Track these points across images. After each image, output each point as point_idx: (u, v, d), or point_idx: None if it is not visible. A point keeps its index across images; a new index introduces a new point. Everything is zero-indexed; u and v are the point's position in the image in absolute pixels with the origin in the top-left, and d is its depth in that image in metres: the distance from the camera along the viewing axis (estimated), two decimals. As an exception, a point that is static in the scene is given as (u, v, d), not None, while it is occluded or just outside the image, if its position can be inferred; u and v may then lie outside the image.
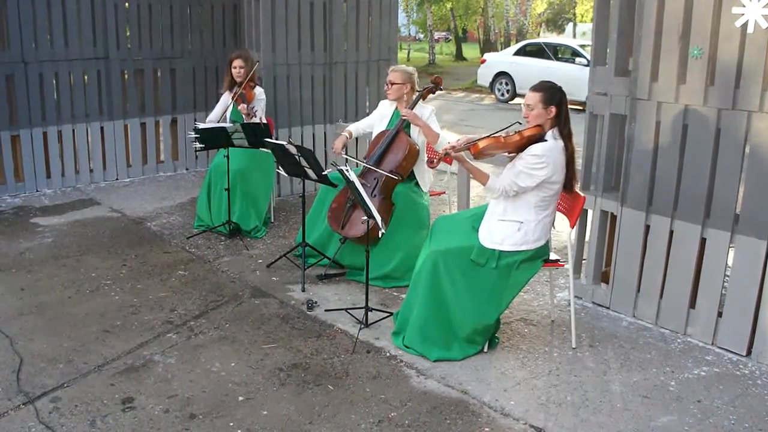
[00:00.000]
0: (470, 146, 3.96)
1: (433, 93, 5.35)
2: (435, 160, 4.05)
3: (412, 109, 5.16)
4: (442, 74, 25.00)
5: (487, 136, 3.94)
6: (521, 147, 3.95)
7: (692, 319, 4.34)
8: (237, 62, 6.18)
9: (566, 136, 3.96)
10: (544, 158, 3.86)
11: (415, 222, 5.13)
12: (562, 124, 3.95)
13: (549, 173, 3.88)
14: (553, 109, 3.91)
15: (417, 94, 5.28)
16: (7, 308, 4.62)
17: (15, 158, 7.32)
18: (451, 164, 5.81)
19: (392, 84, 5.24)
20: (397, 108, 5.33)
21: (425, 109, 5.23)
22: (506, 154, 4.09)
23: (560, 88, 3.98)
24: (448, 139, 5.12)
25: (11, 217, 6.59)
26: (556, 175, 3.91)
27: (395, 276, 5.08)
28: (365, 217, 4.33)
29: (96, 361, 3.96)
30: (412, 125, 5.21)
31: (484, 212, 4.19)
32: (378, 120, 5.46)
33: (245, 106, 6.04)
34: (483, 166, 4.33)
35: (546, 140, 3.93)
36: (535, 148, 3.89)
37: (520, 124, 4.02)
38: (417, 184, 5.26)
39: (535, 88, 3.98)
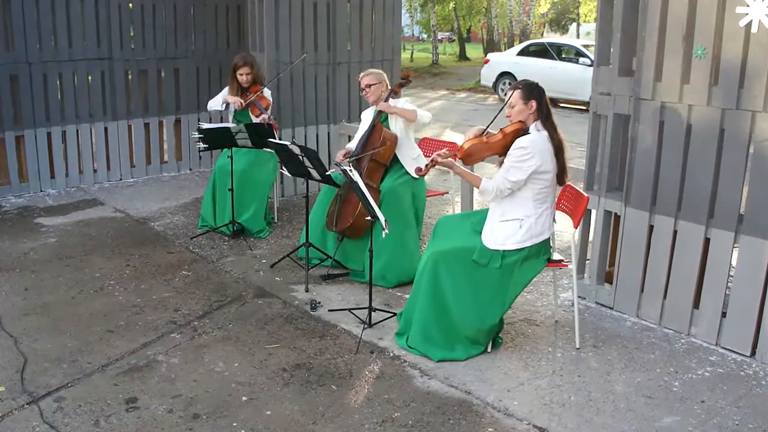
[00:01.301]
0: (456, 152, 4.04)
1: (404, 86, 5.49)
2: (424, 168, 4.11)
3: (385, 102, 5.32)
4: (445, 74, 24.84)
5: (468, 139, 4.05)
6: (506, 146, 4.03)
7: (696, 319, 4.33)
8: (243, 70, 6.22)
9: (550, 127, 4.02)
10: (529, 148, 3.90)
11: (403, 217, 5.12)
12: (543, 116, 4.02)
13: (537, 162, 3.91)
14: (533, 104, 3.99)
15: (388, 90, 5.42)
16: (11, 308, 4.63)
17: (19, 158, 7.34)
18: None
19: (369, 86, 5.37)
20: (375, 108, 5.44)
21: (399, 102, 5.38)
22: (497, 156, 4.13)
23: (538, 84, 4.08)
24: (427, 115, 5.24)
25: (15, 218, 6.60)
26: (545, 164, 3.94)
27: (388, 273, 5.06)
28: (368, 218, 4.33)
29: (100, 361, 3.97)
30: (389, 117, 5.33)
31: (486, 216, 4.20)
32: (363, 127, 5.53)
33: (264, 116, 6.11)
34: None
35: (529, 133, 3.98)
36: (519, 141, 3.96)
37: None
38: (407, 173, 5.27)
39: (514, 87, 4.08)
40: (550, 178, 4.00)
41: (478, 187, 4.09)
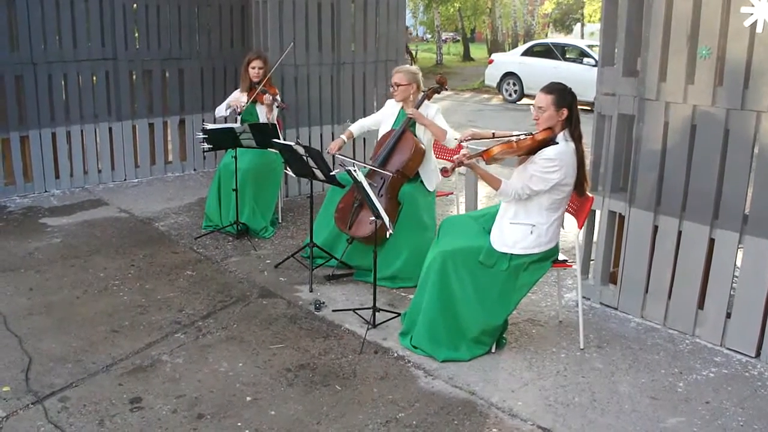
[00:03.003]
0: (482, 153, 3.95)
1: (438, 93, 5.35)
2: (450, 169, 4.03)
3: (417, 108, 5.17)
4: (449, 75, 24.83)
5: (499, 143, 3.94)
6: (533, 151, 3.94)
7: (701, 320, 4.32)
8: (256, 63, 6.24)
9: (577, 138, 3.94)
10: (557, 161, 3.84)
11: (420, 222, 5.13)
12: (572, 126, 3.92)
13: (562, 176, 3.85)
14: (565, 112, 3.88)
15: (422, 94, 5.28)
16: (16, 308, 4.64)
17: (24, 159, 7.35)
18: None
19: (398, 86, 5.23)
20: (402, 108, 5.33)
21: (430, 108, 5.23)
22: (517, 156, 4.09)
23: (571, 90, 3.95)
24: (455, 136, 5.15)
25: (20, 218, 6.62)
26: (568, 177, 3.89)
27: (402, 276, 5.08)
28: (373, 218, 4.33)
29: (104, 361, 3.98)
30: (417, 124, 5.20)
31: (495, 213, 4.18)
32: (385, 119, 5.46)
33: (269, 96, 6.08)
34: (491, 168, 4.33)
35: (557, 143, 3.91)
36: (548, 152, 3.87)
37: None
38: (422, 182, 5.26)
39: (547, 90, 3.94)
40: (569, 191, 3.96)
41: (497, 189, 4.00)
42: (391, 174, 5.02)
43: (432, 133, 5.17)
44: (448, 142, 5.15)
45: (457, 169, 5.78)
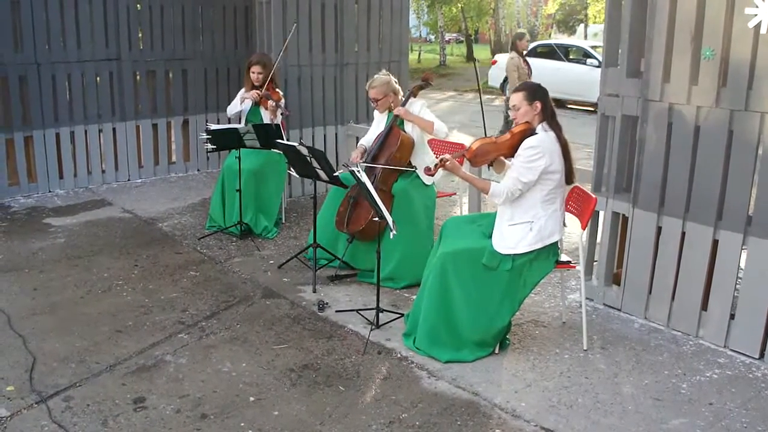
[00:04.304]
0: (464, 152, 4.06)
1: (423, 89, 5.42)
2: (433, 168, 4.11)
3: (403, 106, 5.25)
4: (452, 75, 24.75)
5: (478, 139, 4.09)
6: (514, 146, 4.03)
7: (704, 321, 4.32)
8: (255, 68, 6.24)
9: (555, 127, 4.03)
10: (539, 148, 3.91)
11: (414, 218, 5.11)
12: (549, 117, 4.03)
13: (547, 162, 3.91)
14: (538, 105, 3.99)
15: (407, 92, 5.36)
16: (20, 308, 4.65)
17: (28, 159, 7.37)
18: (462, 164, 5.82)
19: (377, 101, 5.31)
20: (390, 110, 5.38)
21: (415, 105, 5.30)
22: (503, 158, 4.13)
23: (540, 85, 4.09)
24: (444, 127, 5.20)
25: (24, 218, 6.63)
26: (554, 164, 3.94)
27: (398, 276, 5.07)
28: (376, 218, 4.33)
29: (108, 361, 3.98)
30: (405, 121, 5.27)
31: (494, 217, 4.19)
32: (376, 126, 5.52)
33: (272, 103, 6.08)
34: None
35: (536, 134, 3.99)
36: (528, 141, 3.96)
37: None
38: (418, 177, 5.27)
39: (517, 90, 4.09)
40: (558, 178, 3.99)
41: (486, 193, 4.05)
42: (382, 166, 5.07)
43: (420, 128, 5.21)
44: (438, 133, 5.19)
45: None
